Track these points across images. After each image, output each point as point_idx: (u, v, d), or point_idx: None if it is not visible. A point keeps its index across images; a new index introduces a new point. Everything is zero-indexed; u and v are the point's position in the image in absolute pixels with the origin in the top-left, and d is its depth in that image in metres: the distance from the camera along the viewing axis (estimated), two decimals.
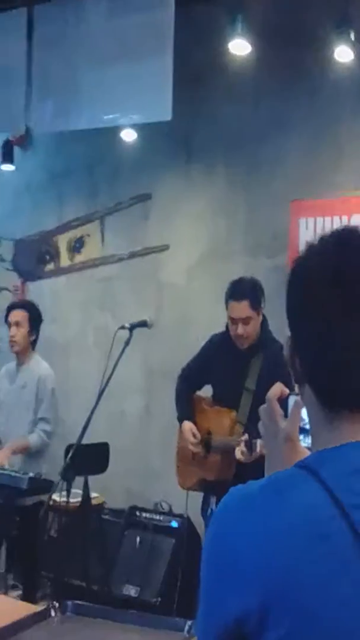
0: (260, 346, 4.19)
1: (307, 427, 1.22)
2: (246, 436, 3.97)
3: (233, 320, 4.17)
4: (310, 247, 1.18)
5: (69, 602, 2.34)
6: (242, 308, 4.13)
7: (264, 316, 4.23)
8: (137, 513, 5.20)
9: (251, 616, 1.04)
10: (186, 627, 2.09)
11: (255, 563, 1.05)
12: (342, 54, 4.82)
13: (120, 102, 4.08)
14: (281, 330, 4.14)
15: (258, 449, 3.80)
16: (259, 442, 3.80)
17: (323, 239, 1.17)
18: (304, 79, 5.27)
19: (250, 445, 3.88)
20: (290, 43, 5.25)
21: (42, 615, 2.27)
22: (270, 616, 1.03)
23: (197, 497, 4.40)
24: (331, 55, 4.85)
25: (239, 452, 3.97)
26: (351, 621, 1.01)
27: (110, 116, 4.23)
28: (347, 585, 1.02)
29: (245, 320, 4.14)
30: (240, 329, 4.15)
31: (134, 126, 5.96)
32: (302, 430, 1.27)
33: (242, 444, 3.96)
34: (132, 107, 4.06)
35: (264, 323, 4.24)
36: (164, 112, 3.82)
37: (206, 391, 4.52)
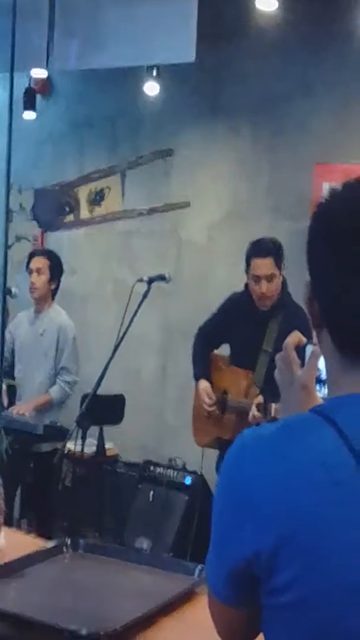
0: (279, 308, 4.18)
1: (324, 377, 1.23)
2: (260, 398, 4.01)
3: (256, 278, 4.14)
4: (334, 192, 1.19)
5: (81, 540, 2.37)
6: (267, 264, 4.11)
7: (284, 278, 4.21)
8: (152, 468, 5.26)
9: (261, 556, 1.07)
10: (197, 571, 2.13)
11: (268, 503, 1.07)
12: None
13: (143, 41, 4.03)
14: (301, 294, 4.15)
15: (272, 413, 3.82)
16: (274, 406, 3.82)
17: (347, 185, 1.19)
18: (332, 40, 5.18)
19: (264, 409, 3.91)
20: (318, 1, 5.16)
21: (54, 551, 2.31)
22: (280, 557, 1.06)
23: (212, 454, 4.46)
24: None
25: (252, 415, 4.00)
26: None
27: (134, 55, 4.18)
28: (358, 531, 1.04)
29: (269, 277, 4.12)
30: (264, 287, 4.12)
31: (158, 79, 5.90)
32: (319, 381, 1.28)
33: (255, 407, 4.00)
34: (155, 47, 4.01)
35: (284, 285, 4.22)
36: (187, 53, 3.77)
37: (223, 350, 4.55)
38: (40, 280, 4.97)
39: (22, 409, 4.78)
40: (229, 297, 4.44)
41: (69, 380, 4.91)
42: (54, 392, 4.89)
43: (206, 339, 4.51)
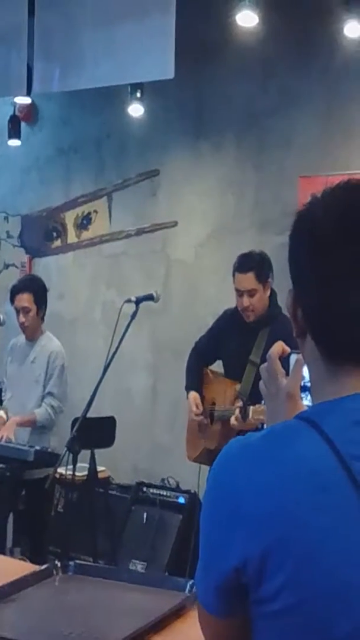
0: (268, 320, 4.18)
1: (309, 384, 1.22)
2: (240, 403, 4.03)
3: (239, 292, 4.19)
4: (314, 198, 1.18)
5: (72, 562, 2.36)
6: (248, 280, 4.15)
7: (273, 290, 4.23)
8: (144, 489, 5.22)
9: (250, 565, 1.06)
10: (187, 587, 2.12)
11: (256, 511, 1.06)
12: (352, 29, 4.74)
13: (123, 61, 4.07)
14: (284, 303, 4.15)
15: (250, 415, 3.87)
16: (251, 408, 3.88)
17: (326, 191, 1.18)
18: (314, 54, 5.21)
19: (244, 411, 3.93)
20: (299, 16, 5.18)
21: (44, 574, 2.28)
22: (270, 565, 1.04)
23: (205, 472, 4.42)
24: (341, 31, 4.78)
25: (234, 419, 4.02)
26: (350, 570, 1.02)
27: (114, 75, 4.23)
28: (347, 535, 1.03)
29: (250, 292, 4.15)
30: (246, 301, 4.16)
31: (141, 101, 5.91)
32: (304, 389, 1.27)
33: (237, 411, 4.01)
34: (135, 65, 4.05)
35: (273, 297, 4.24)
36: (166, 70, 3.80)
37: (218, 366, 4.53)
38: (28, 318, 4.89)
39: (6, 433, 4.70)
40: (222, 312, 4.48)
41: (54, 405, 4.83)
42: (39, 414, 4.81)
43: (199, 355, 4.54)
